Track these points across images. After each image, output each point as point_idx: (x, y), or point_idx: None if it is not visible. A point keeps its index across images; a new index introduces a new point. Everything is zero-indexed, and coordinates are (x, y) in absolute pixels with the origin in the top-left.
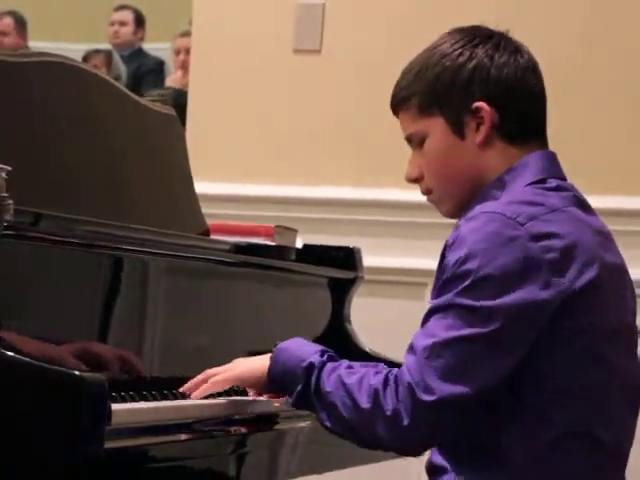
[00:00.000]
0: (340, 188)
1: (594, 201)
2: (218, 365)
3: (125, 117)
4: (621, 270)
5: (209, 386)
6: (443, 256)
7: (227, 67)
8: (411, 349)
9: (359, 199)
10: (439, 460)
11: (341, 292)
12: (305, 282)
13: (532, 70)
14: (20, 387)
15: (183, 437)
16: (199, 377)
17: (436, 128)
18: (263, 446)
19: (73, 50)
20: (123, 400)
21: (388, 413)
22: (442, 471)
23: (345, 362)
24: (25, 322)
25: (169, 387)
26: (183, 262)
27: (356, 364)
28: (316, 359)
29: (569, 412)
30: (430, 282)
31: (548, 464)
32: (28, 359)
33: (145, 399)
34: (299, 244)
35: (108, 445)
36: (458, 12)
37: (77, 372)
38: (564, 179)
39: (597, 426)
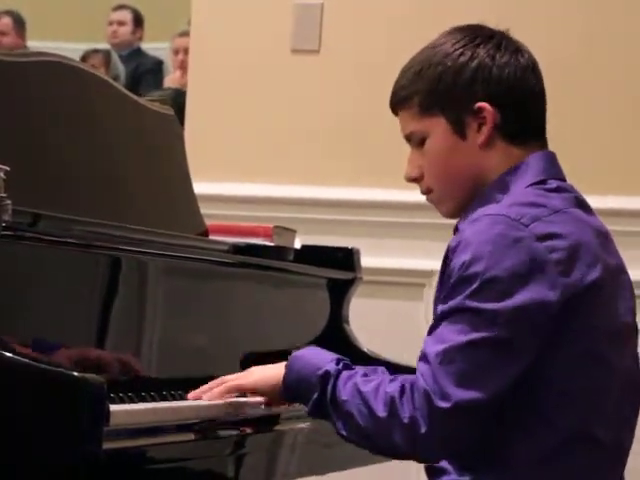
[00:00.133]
0: (339, 188)
1: (594, 201)
2: (217, 365)
3: (124, 117)
4: (621, 270)
5: (223, 390)
6: (446, 260)
7: (225, 67)
8: (424, 356)
9: (358, 200)
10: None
11: (340, 293)
12: (304, 283)
13: (532, 70)
14: (18, 388)
15: (182, 438)
16: (214, 382)
17: (437, 128)
18: (262, 447)
19: (71, 50)
20: (121, 401)
21: (405, 421)
22: (442, 472)
23: (361, 370)
24: (24, 323)
25: (167, 388)
26: (182, 262)
27: (369, 368)
28: (332, 367)
29: (570, 413)
30: (428, 283)
31: (550, 466)
32: (26, 360)
33: (143, 400)
34: (298, 245)
35: (106, 446)
36: (457, 12)
37: (76, 373)
38: (564, 180)
39: (597, 427)
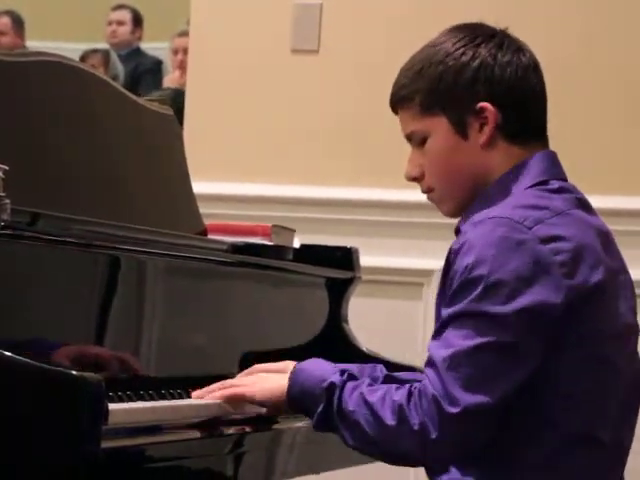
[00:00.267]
0: (338, 188)
1: (595, 201)
2: (216, 364)
3: (123, 117)
4: (622, 270)
5: (226, 395)
6: (448, 262)
7: (225, 67)
8: (430, 362)
9: (357, 199)
10: None
11: (339, 292)
12: (303, 282)
13: (534, 69)
14: (17, 386)
15: (180, 437)
16: (216, 385)
17: (438, 128)
18: (261, 446)
19: (71, 49)
20: (120, 400)
21: (415, 428)
22: (442, 470)
23: (366, 379)
24: (23, 322)
25: (166, 387)
26: (180, 262)
27: (368, 366)
28: (337, 379)
29: (575, 416)
30: (427, 282)
31: (552, 467)
32: (25, 359)
33: (142, 399)
34: (296, 244)
35: (105, 445)
36: (457, 12)
37: (74, 372)
38: (565, 179)
39: (599, 427)
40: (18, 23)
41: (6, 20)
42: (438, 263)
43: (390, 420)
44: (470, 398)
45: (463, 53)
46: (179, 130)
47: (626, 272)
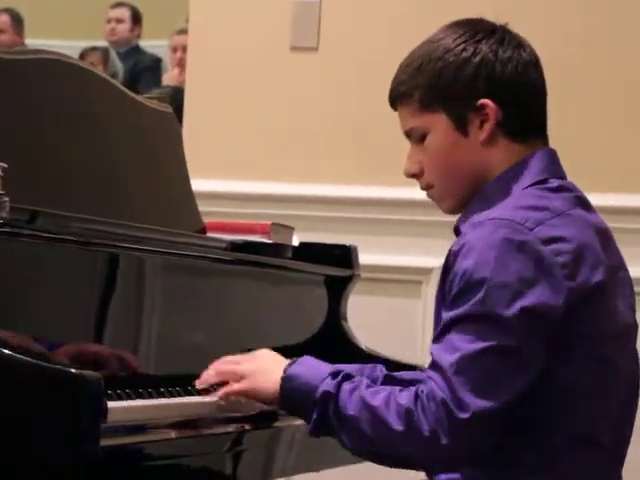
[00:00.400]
0: (337, 186)
1: (594, 199)
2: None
3: (122, 114)
4: (621, 267)
5: (223, 395)
6: (447, 264)
7: (224, 65)
8: (436, 366)
9: (356, 197)
10: None
11: (337, 290)
12: (301, 280)
13: (534, 65)
14: (15, 384)
15: (179, 435)
16: (210, 374)
17: (438, 124)
18: (260, 444)
19: (70, 47)
20: (119, 398)
21: (426, 434)
22: (441, 470)
23: (363, 379)
24: (21, 320)
25: (165, 385)
26: (179, 260)
27: (367, 366)
28: (331, 383)
29: (574, 415)
30: (426, 280)
31: (552, 467)
32: (24, 356)
33: (141, 397)
34: (295, 242)
35: (104, 443)
36: (457, 9)
37: (73, 369)
38: (564, 177)
39: (599, 428)
40: (17, 21)
41: (5, 18)
42: (437, 261)
43: (397, 425)
44: (479, 403)
45: (464, 49)
46: (178, 128)
47: (625, 269)
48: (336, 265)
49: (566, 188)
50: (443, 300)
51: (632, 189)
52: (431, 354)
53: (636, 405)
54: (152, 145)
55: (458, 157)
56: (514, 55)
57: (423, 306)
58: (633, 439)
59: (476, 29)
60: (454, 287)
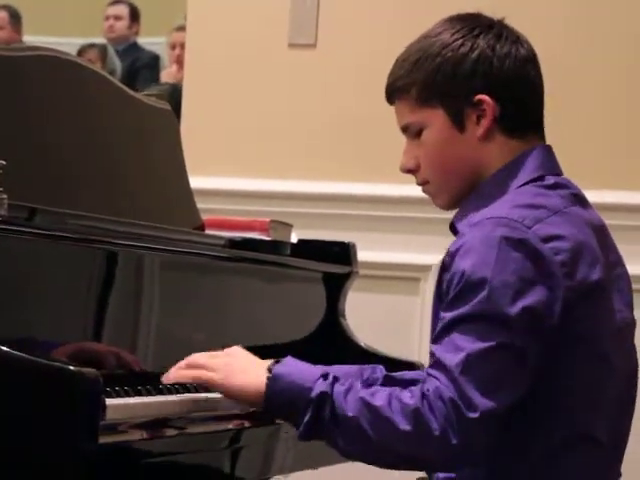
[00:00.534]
0: (335, 183)
1: (590, 196)
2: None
3: (120, 111)
4: (618, 264)
5: (191, 377)
6: (445, 264)
7: (222, 62)
8: (440, 365)
9: (354, 194)
10: None
11: (336, 287)
12: (300, 277)
13: (532, 60)
14: (13, 382)
15: (177, 432)
16: (182, 363)
17: (435, 120)
18: (258, 441)
19: (68, 44)
20: (118, 395)
21: (436, 433)
22: (441, 470)
23: (356, 382)
24: (19, 317)
25: None
26: (178, 257)
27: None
28: (323, 385)
29: (574, 414)
30: (424, 277)
31: (551, 465)
32: (22, 354)
33: (140, 394)
34: (294, 239)
35: (103, 440)
36: (454, 4)
37: (72, 367)
38: (560, 173)
39: (599, 426)
40: (15, 18)
41: (3, 14)
42: (436, 258)
43: (404, 425)
44: (487, 402)
45: (461, 44)
46: (176, 125)
47: (622, 265)
48: (334, 262)
49: (562, 185)
50: (440, 300)
51: (628, 186)
52: (432, 354)
53: (634, 401)
54: (150, 142)
55: (454, 153)
56: (512, 51)
57: (421, 303)
58: (632, 436)
59: (474, 24)
60: (452, 288)
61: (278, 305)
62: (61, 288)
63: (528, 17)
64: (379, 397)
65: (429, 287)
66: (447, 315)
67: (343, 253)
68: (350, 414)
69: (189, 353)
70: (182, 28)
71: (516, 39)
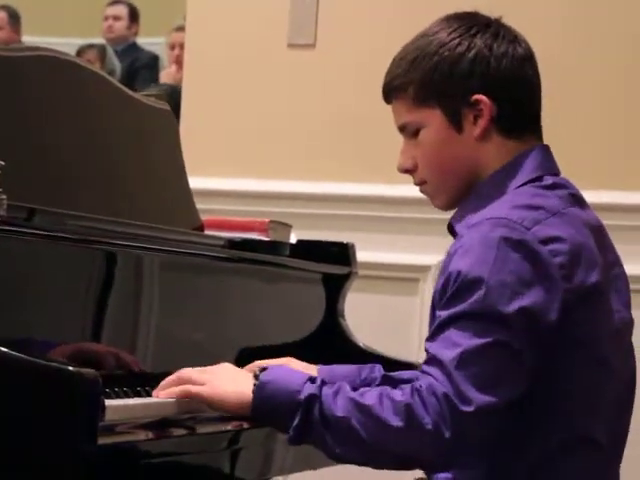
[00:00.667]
0: (334, 183)
1: (588, 196)
2: (212, 360)
3: (119, 112)
4: (616, 264)
5: (180, 393)
6: (444, 265)
7: (221, 62)
8: (435, 361)
9: (353, 194)
10: None
11: (335, 287)
12: (299, 277)
13: (529, 60)
14: (12, 383)
15: (177, 433)
16: (171, 378)
17: (432, 120)
18: (257, 442)
19: (67, 44)
20: (117, 396)
21: (428, 427)
22: (441, 469)
23: (344, 384)
24: (19, 317)
25: None
26: (177, 257)
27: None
28: (312, 388)
29: (571, 416)
30: (423, 278)
31: (549, 468)
32: (21, 354)
33: (139, 395)
34: (293, 239)
35: (102, 441)
36: (452, 3)
37: (71, 367)
38: (558, 173)
39: (598, 428)
40: (14, 18)
41: (2, 15)
42: (434, 258)
43: (396, 421)
44: (482, 397)
45: (459, 44)
46: (176, 125)
47: (620, 265)
48: (334, 263)
49: (561, 185)
50: (439, 300)
51: (625, 186)
52: (426, 351)
53: (632, 402)
54: (150, 143)
55: (452, 153)
56: (509, 50)
57: (420, 303)
58: (631, 438)
59: (471, 23)
60: (450, 286)
61: (277, 305)
62: (60, 289)
63: (525, 16)
64: (369, 396)
65: (428, 288)
66: (443, 313)
67: (342, 254)
68: (340, 414)
69: (188, 353)
70: (181, 28)
71: (513, 38)
